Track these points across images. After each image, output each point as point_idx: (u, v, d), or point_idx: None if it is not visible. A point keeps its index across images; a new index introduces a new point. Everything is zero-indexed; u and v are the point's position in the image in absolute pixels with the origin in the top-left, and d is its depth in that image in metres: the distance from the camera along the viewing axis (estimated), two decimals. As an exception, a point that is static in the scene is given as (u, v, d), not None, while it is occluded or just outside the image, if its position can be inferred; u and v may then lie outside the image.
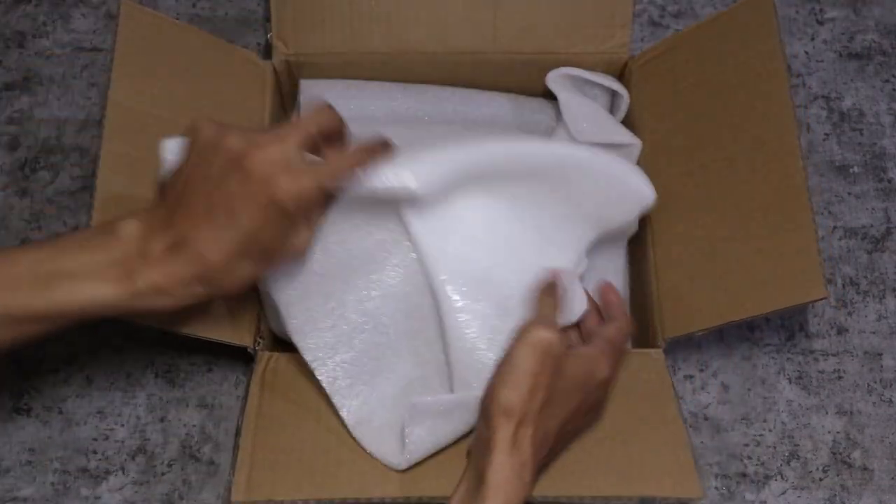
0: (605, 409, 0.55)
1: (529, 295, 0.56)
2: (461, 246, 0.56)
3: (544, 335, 0.49)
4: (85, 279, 0.46)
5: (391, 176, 0.52)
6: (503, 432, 0.48)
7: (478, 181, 0.56)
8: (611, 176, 0.59)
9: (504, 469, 0.47)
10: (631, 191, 0.60)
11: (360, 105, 0.68)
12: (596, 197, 0.59)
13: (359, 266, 0.56)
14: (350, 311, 0.57)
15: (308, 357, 0.56)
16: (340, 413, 0.56)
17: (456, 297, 0.55)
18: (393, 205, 0.55)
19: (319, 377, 0.56)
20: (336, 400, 0.56)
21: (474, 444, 0.52)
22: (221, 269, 0.47)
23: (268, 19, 0.68)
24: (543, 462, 0.51)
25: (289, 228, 0.49)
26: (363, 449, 0.55)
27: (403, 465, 0.54)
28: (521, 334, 0.50)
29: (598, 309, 0.60)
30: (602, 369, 0.52)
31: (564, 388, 0.50)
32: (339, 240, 0.56)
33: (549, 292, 0.56)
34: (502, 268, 0.57)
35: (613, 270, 0.66)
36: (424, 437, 0.54)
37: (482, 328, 0.55)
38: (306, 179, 0.48)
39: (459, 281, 0.55)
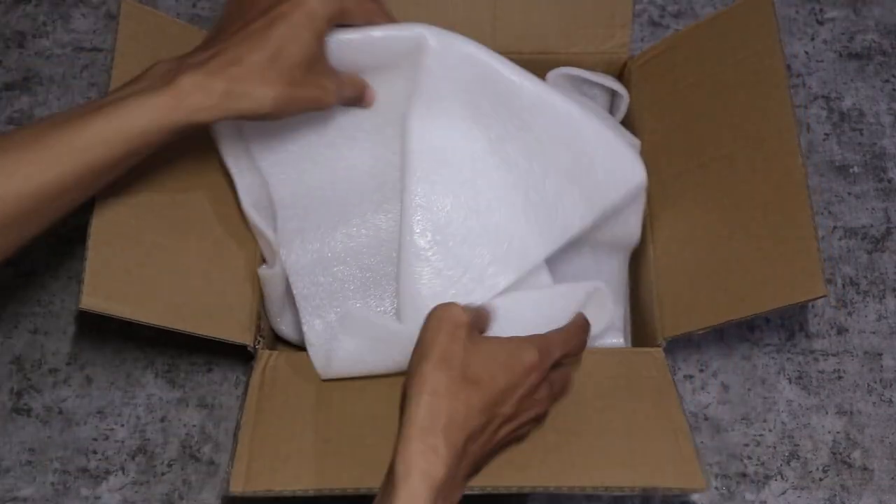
0: (547, 405, 0.53)
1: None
2: (445, 196, 0.57)
3: (452, 309, 0.50)
4: (133, 96, 0.48)
5: (412, 28, 0.56)
6: (417, 405, 0.46)
7: (483, 119, 0.57)
8: (609, 146, 0.58)
9: (414, 443, 0.45)
10: (624, 166, 0.58)
11: None
12: (591, 166, 0.58)
13: (355, 203, 0.60)
14: (337, 241, 0.59)
15: (290, 271, 0.59)
16: (303, 328, 0.59)
17: (422, 244, 0.57)
18: (397, 144, 0.58)
19: (295, 291, 0.59)
20: (303, 315, 0.59)
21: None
22: (254, 75, 0.50)
23: (268, 19, 0.68)
24: (474, 450, 0.48)
25: (318, 53, 0.53)
26: (313, 366, 0.58)
27: (324, 377, 0.57)
28: (432, 311, 0.51)
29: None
30: (527, 353, 0.50)
31: (484, 363, 0.49)
32: (345, 174, 0.59)
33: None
34: (478, 234, 0.58)
35: (616, 284, 0.66)
36: (351, 354, 0.56)
37: (433, 280, 0.57)
38: (334, 2, 0.52)
39: (430, 230, 0.57)
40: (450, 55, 0.56)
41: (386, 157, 0.60)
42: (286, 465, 0.53)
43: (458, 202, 0.57)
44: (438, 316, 0.50)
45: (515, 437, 0.53)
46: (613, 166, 0.58)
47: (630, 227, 0.63)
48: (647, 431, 0.55)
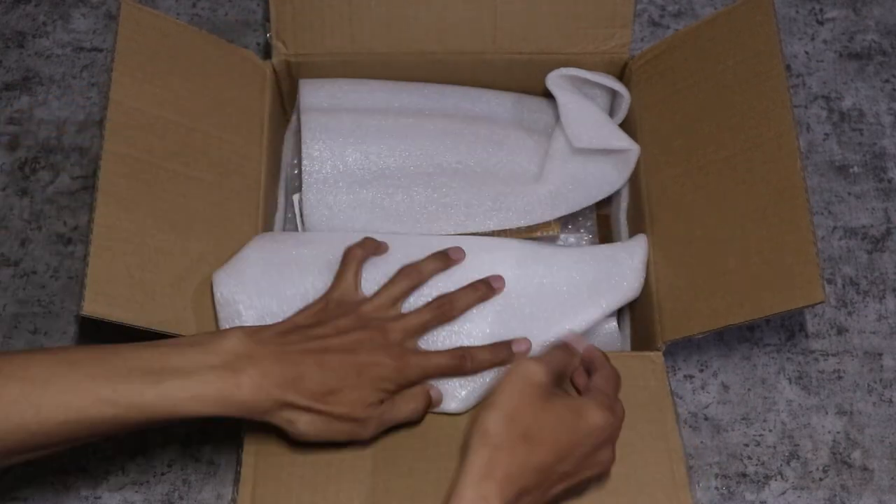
0: (610, 464, 0.53)
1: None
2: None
3: (531, 366, 0.50)
4: (194, 375, 0.48)
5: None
6: (476, 454, 0.47)
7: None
8: (613, 266, 0.62)
9: (469, 490, 0.46)
10: (623, 283, 0.62)
11: (361, 99, 0.68)
12: (594, 285, 0.61)
13: None
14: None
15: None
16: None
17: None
18: None
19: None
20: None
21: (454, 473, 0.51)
22: (308, 401, 0.51)
23: (268, 19, 0.68)
24: (526, 502, 0.48)
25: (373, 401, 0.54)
26: None
27: None
28: (512, 367, 0.51)
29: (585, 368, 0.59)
30: (593, 414, 0.50)
31: (550, 425, 0.49)
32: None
33: (561, 347, 0.55)
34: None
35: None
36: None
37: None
38: (413, 371, 0.55)
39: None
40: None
41: None
42: (290, 489, 0.54)
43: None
44: (519, 372, 0.50)
45: (574, 492, 0.53)
46: (618, 283, 0.62)
47: None
48: (642, 453, 0.56)
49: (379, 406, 0.53)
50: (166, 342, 0.50)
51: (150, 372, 0.48)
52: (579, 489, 0.53)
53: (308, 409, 0.51)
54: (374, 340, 0.54)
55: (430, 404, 0.56)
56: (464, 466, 0.47)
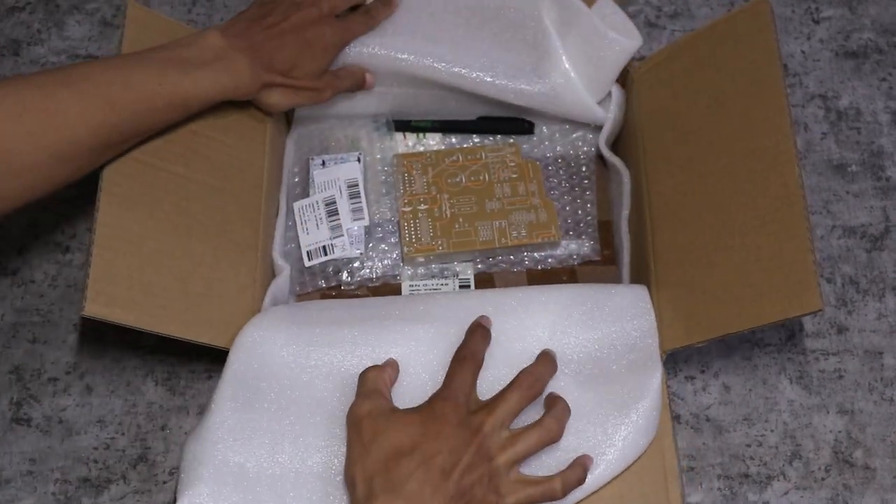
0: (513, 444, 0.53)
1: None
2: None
3: (352, 409, 0.54)
4: (208, 66, 0.58)
5: None
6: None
7: None
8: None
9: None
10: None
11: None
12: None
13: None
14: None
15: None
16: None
17: None
18: None
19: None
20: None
21: None
22: (279, 79, 0.62)
23: (264, 25, 0.68)
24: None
25: (326, 66, 0.65)
26: None
27: None
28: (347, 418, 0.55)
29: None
30: (435, 404, 0.54)
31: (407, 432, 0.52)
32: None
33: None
34: None
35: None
36: None
37: None
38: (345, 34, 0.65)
39: None
40: None
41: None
42: None
43: None
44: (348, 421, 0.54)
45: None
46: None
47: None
48: (637, 472, 0.56)
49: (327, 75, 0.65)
50: (164, 46, 0.58)
51: (179, 64, 0.57)
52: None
53: (279, 85, 0.62)
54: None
55: (364, 81, 0.67)
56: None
